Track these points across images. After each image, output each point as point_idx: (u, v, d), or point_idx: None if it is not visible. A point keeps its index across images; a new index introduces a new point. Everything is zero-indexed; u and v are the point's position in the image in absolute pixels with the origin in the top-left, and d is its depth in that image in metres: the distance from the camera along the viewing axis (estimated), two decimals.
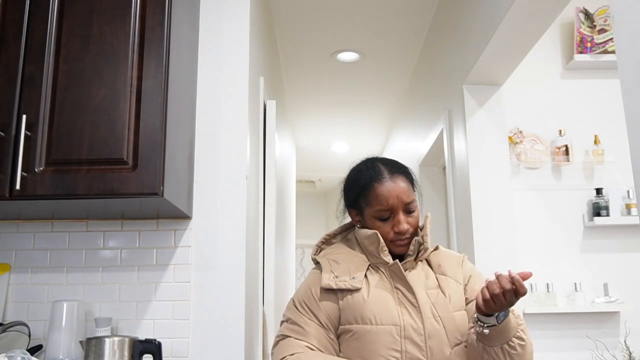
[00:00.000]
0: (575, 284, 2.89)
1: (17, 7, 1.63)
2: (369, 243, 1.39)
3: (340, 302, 1.35)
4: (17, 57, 1.60)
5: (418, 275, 1.39)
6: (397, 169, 1.43)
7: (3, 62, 1.60)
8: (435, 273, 1.41)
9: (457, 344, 1.31)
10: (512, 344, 1.23)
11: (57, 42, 1.63)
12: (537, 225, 2.98)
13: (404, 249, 1.40)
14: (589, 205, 3.01)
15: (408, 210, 1.39)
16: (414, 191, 1.43)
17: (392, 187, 1.37)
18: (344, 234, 1.52)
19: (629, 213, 2.94)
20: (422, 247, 1.40)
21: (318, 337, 1.33)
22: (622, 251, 2.98)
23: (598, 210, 2.94)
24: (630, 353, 2.71)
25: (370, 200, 1.39)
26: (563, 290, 2.92)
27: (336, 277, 1.36)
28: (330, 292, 1.36)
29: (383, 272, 1.38)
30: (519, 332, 1.25)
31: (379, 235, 1.37)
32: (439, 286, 1.38)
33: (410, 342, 1.27)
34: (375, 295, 1.33)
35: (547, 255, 2.96)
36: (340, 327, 1.34)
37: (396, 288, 1.35)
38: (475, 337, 1.26)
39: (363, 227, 1.44)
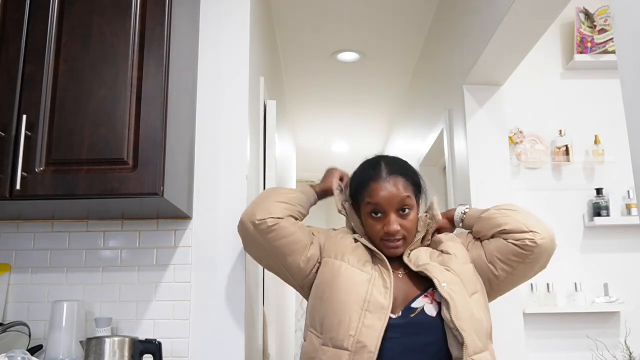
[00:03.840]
0: (575, 284, 2.89)
1: (17, 7, 1.63)
2: (347, 210, 1.53)
3: (330, 238, 1.49)
4: (17, 57, 1.60)
5: (419, 252, 1.46)
6: (398, 168, 1.45)
7: (3, 62, 1.60)
8: (436, 249, 1.49)
9: (474, 293, 1.37)
10: (497, 205, 1.50)
11: (57, 42, 1.62)
12: None
13: (395, 252, 1.43)
14: (589, 205, 3.01)
15: (402, 211, 1.41)
16: (418, 193, 1.48)
17: (385, 186, 1.41)
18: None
19: (629, 213, 2.94)
20: (430, 226, 1.49)
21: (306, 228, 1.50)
22: (622, 251, 2.98)
23: (598, 210, 2.94)
24: (630, 353, 2.71)
25: (365, 197, 1.44)
26: (563, 290, 2.92)
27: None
28: (325, 230, 1.54)
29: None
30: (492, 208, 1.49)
31: (350, 209, 1.51)
32: (442, 253, 1.45)
33: (376, 289, 1.33)
34: (359, 249, 1.43)
35: None
36: (325, 259, 1.44)
37: (373, 256, 1.44)
38: (476, 227, 1.50)
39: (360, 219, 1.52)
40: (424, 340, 1.30)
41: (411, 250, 1.45)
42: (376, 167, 1.46)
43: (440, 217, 1.50)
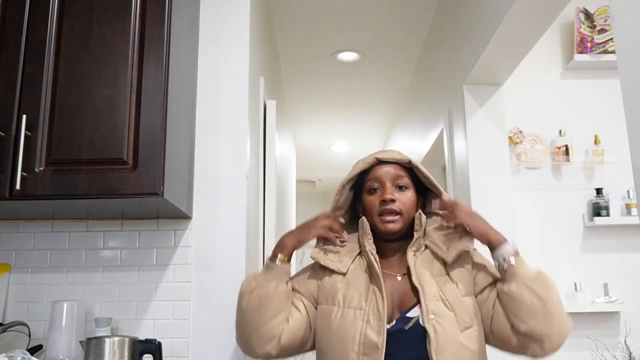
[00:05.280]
0: (575, 284, 2.90)
1: (17, 7, 1.63)
2: (360, 226, 1.46)
3: (319, 282, 1.44)
4: (17, 57, 1.60)
5: (424, 260, 1.41)
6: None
7: (3, 62, 1.60)
8: (444, 263, 1.42)
9: (467, 327, 1.32)
10: (535, 281, 1.29)
11: (57, 42, 1.62)
12: (537, 225, 2.98)
13: (392, 226, 1.40)
14: (589, 205, 3.01)
15: (399, 186, 1.44)
16: (416, 183, 1.47)
17: (384, 165, 1.45)
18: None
19: (629, 213, 2.95)
20: (422, 224, 1.43)
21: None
22: (622, 251, 2.98)
23: (598, 210, 2.94)
24: (630, 353, 2.71)
25: (365, 179, 1.47)
26: (563, 290, 2.92)
27: (325, 255, 1.44)
28: (313, 273, 1.46)
29: (363, 260, 1.44)
30: (540, 276, 1.31)
31: (365, 221, 1.44)
32: (447, 274, 1.39)
33: (371, 325, 1.30)
34: (350, 281, 1.39)
35: (547, 256, 2.96)
36: (318, 306, 1.41)
37: (370, 275, 1.39)
38: (502, 288, 1.32)
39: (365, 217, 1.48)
40: (418, 355, 1.28)
41: (416, 250, 1.42)
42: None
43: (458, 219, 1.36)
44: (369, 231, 1.44)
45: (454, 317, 1.30)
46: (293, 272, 1.50)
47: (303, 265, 1.53)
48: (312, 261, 1.48)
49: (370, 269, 1.40)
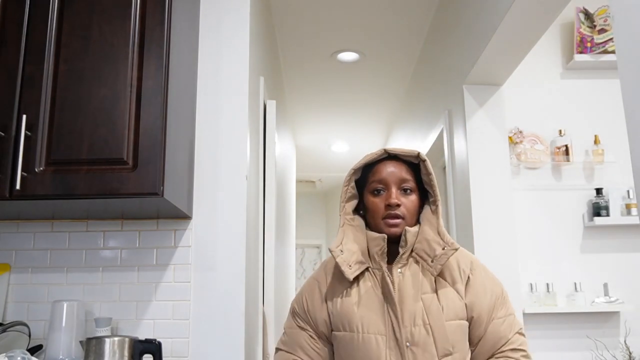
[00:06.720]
0: (575, 284, 2.90)
1: (17, 7, 1.63)
2: (374, 244, 1.39)
3: (330, 307, 1.39)
4: (17, 57, 1.60)
5: (412, 275, 1.36)
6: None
7: (3, 62, 1.60)
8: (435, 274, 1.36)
9: (446, 355, 1.29)
10: None
11: (57, 42, 1.63)
12: (537, 225, 2.99)
13: (396, 230, 1.37)
14: (589, 205, 3.02)
15: (404, 189, 1.40)
16: (420, 186, 1.43)
17: (389, 164, 1.42)
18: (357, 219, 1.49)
19: (629, 213, 2.95)
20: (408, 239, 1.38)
21: (306, 349, 1.40)
22: (622, 251, 2.98)
23: (598, 210, 2.94)
24: (630, 353, 2.72)
25: (369, 178, 1.43)
26: (563, 290, 2.93)
27: (342, 253, 1.38)
28: (321, 300, 1.41)
29: (377, 279, 1.37)
30: None
31: (385, 240, 1.37)
32: (436, 291, 1.34)
33: (394, 352, 1.28)
34: (365, 303, 1.35)
35: (547, 255, 2.96)
36: (333, 332, 1.38)
37: (384, 295, 1.34)
38: None
39: (365, 217, 1.45)
40: None
41: (402, 266, 1.37)
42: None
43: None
44: (385, 252, 1.37)
45: (433, 344, 1.28)
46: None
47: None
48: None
49: (383, 288, 1.35)
